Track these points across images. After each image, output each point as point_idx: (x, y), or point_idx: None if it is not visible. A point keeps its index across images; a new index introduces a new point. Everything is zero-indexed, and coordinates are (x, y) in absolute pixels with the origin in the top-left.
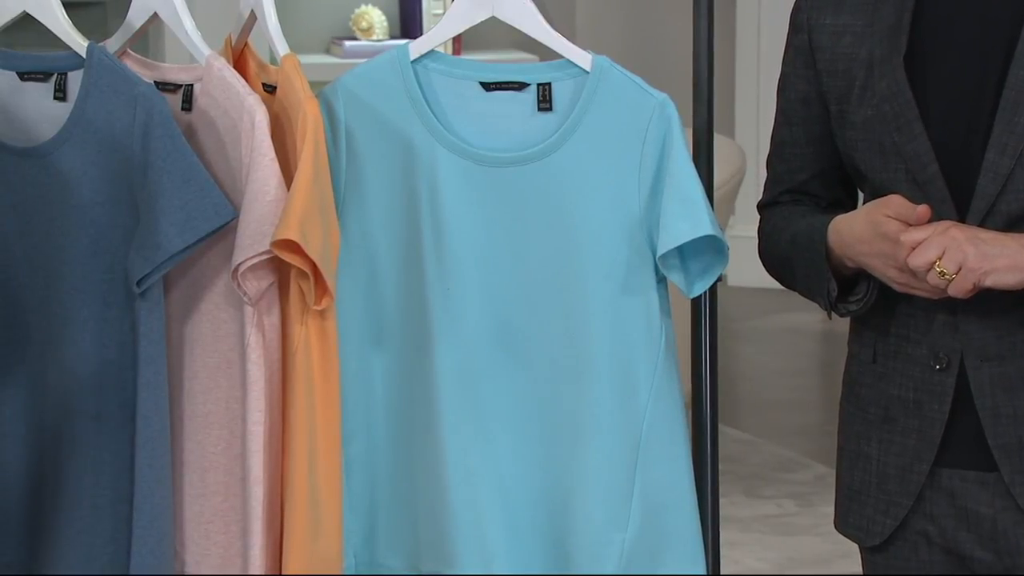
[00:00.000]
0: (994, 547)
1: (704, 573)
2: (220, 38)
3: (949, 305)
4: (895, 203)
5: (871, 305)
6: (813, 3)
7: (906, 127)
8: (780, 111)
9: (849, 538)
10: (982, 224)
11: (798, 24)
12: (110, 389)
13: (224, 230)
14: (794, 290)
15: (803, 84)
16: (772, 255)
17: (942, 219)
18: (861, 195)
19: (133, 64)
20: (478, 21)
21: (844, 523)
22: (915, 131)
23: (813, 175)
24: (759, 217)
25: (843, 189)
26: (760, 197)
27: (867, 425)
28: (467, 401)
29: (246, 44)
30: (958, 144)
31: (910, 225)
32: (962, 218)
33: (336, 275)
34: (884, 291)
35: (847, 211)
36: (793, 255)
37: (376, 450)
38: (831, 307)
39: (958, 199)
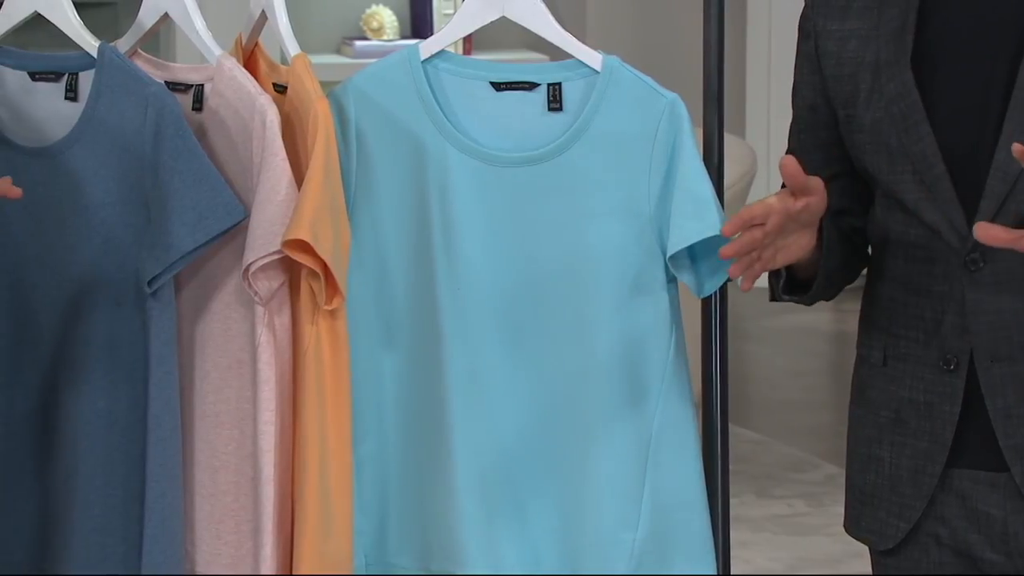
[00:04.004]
0: (1005, 549)
1: (715, 573)
2: (231, 38)
3: (958, 307)
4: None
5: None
6: (820, 9)
7: (913, 128)
8: (793, 118)
9: (862, 541)
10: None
11: (806, 31)
12: (121, 389)
13: (235, 230)
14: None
15: (809, 91)
16: None
17: (949, 220)
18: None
19: (144, 64)
20: (489, 21)
21: (856, 526)
22: (922, 132)
23: (824, 179)
24: None
25: (852, 198)
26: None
27: (878, 428)
28: (477, 400)
29: (257, 44)
30: (966, 145)
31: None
32: (969, 219)
33: (347, 275)
34: (892, 293)
35: (856, 219)
36: None
37: (387, 450)
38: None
39: (965, 200)
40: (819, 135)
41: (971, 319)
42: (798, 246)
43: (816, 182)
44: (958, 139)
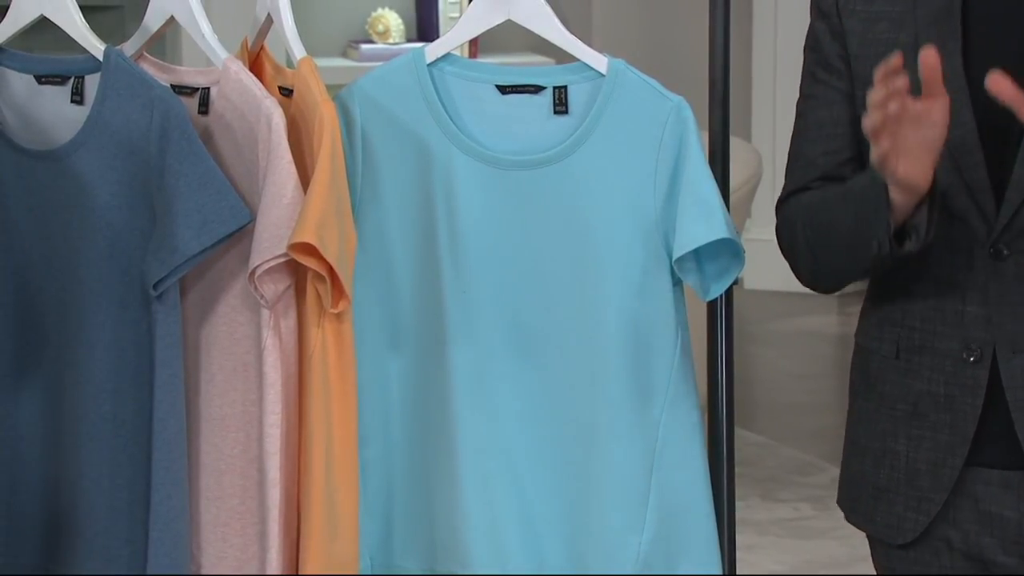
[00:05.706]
0: (1018, 551)
1: None
2: (236, 41)
3: (981, 297)
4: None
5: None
6: None
7: (955, 114)
8: (815, 95)
9: (875, 535)
10: (1016, 214)
11: (824, 11)
12: (126, 392)
13: (241, 233)
14: (832, 248)
15: (842, 64)
16: (813, 219)
17: (980, 208)
18: None
19: (149, 67)
20: (494, 24)
21: (871, 522)
22: (964, 119)
23: (852, 157)
24: (782, 208)
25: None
26: (777, 198)
27: (894, 422)
28: (483, 404)
29: (262, 47)
30: (996, 132)
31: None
32: (998, 208)
33: (352, 278)
34: (906, 285)
35: None
36: (843, 204)
37: (392, 452)
38: (889, 242)
39: (997, 189)
40: (855, 110)
41: (994, 309)
42: (919, 162)
43: (941, 91)
44: (990, 125)
